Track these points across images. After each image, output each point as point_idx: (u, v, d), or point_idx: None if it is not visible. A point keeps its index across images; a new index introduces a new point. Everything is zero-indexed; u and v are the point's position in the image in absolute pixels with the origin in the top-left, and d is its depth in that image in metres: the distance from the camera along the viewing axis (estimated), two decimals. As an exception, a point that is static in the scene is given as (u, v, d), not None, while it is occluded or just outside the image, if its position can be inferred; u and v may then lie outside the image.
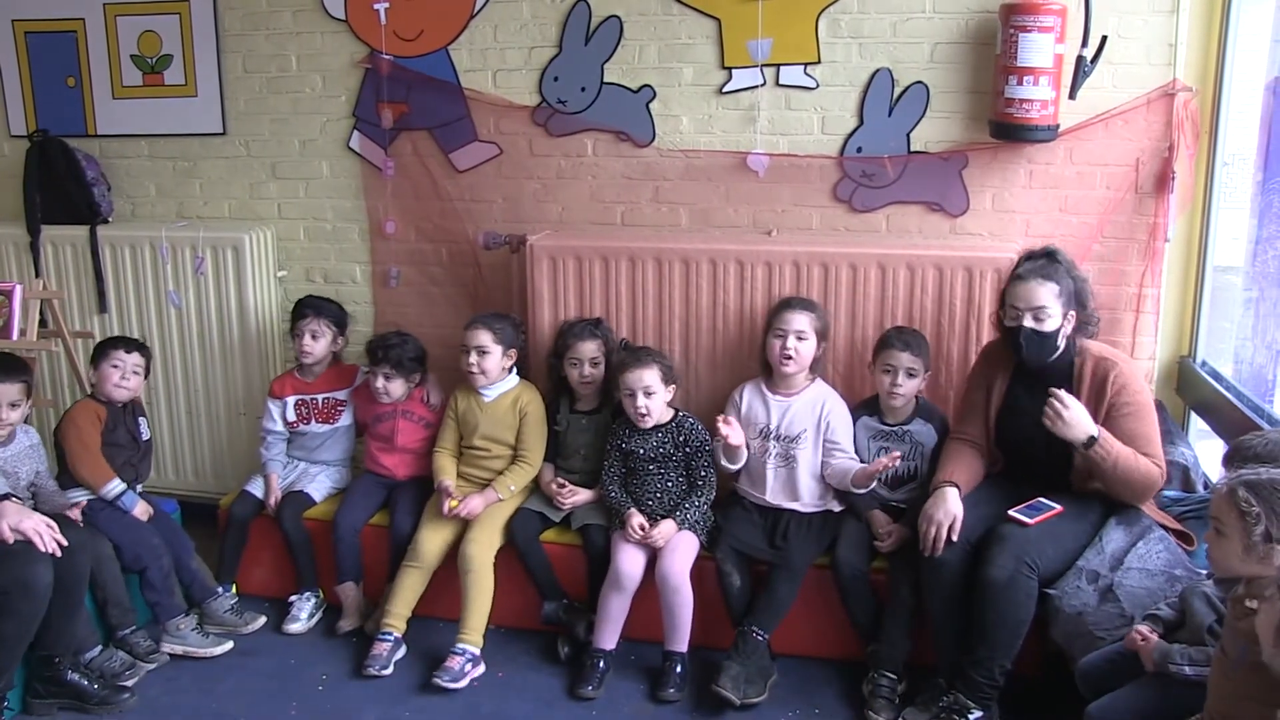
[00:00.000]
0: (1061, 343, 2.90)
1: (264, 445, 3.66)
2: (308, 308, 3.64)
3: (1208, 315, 3.48)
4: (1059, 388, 2.85)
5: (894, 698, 2.95)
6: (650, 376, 3.22)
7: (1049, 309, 2.85)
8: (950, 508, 2.85)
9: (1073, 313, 2.89)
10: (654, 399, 3.23)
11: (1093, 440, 2.76)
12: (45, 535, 2.84)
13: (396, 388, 3.54)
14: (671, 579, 3.10)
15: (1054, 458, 2.91)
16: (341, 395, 3.68)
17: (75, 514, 3.17)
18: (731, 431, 3.17)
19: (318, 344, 3.62)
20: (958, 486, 2.90)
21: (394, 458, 3.59)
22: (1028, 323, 2.86)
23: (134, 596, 3.27)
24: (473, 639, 3.18)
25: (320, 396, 3.66)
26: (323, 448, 3.68)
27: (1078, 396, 2.87)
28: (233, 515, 3.55)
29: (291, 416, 3.65)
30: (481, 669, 3.17)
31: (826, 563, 3.14)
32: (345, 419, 3.69)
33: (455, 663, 3.13)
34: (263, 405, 3.73)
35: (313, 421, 3.66)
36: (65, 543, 2.87)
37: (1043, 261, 2.92)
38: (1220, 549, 2.12)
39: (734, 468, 3.29)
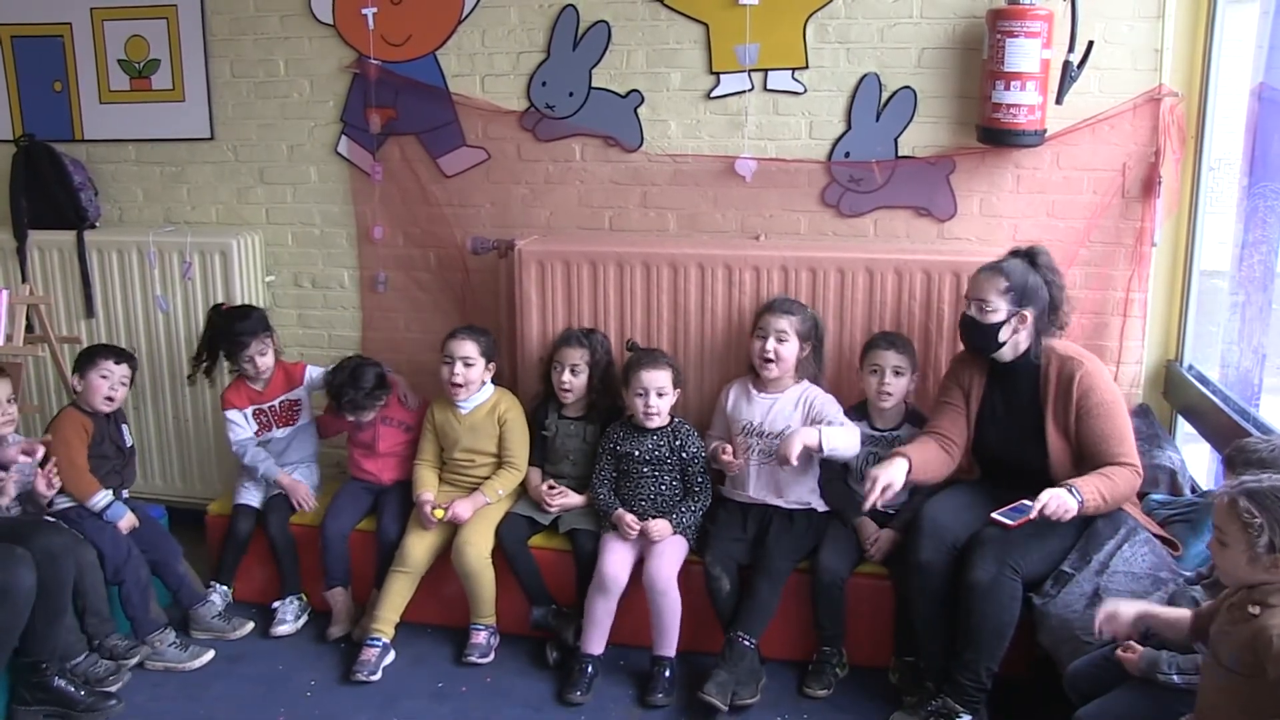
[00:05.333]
0: (1010, 340, 2.91)
1: (245, 457, 3.58)
2: (246, 335, 3.52)
3: (1194, 319, 3.49)
4: (1026, 390, 2.92)
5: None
6: (664, 378, 3.25)
7: (991, 303, 2.88)
8: (892, 473, 2.83)
9: (1026, 313, 2.89)
10: (664, 400, 3.26)
11: (1080, 500, 2.73)
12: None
13: (368, 415, 3.52)
14: (659, 583, 3.10)
15: (1031, 463, 2.92)
16: (296, 395, 3.64)
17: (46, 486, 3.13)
18: (733, 462, 3.24)
19: (267, 358, 3.57)
20: (909, 460, 2.89)
21: (377, 463, 3.58)
22: (970, 311, 2.93)
23: (114, 606, 3.25)
24: (487, 620, 3.33)
25: (276, 401, 3.63)
26: (289, 450, 3.65)
27: (1045, 398, 2.90)
28: (234, 530, 3.52)
29: (253, 426, 3.61)
30: (498, 638, 3.34)
31: (809, 567, 3.14)
32: (304, 417, 3.66)
33: (480, 638, 3.29)
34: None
35: (274, 427, 3.63)
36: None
37: (1010, 258, 2.96)
38: (1225, 559, 2.09)
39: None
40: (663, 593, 3.10)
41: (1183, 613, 2.29)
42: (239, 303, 3.78)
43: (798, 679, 3.12)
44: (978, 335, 2.94)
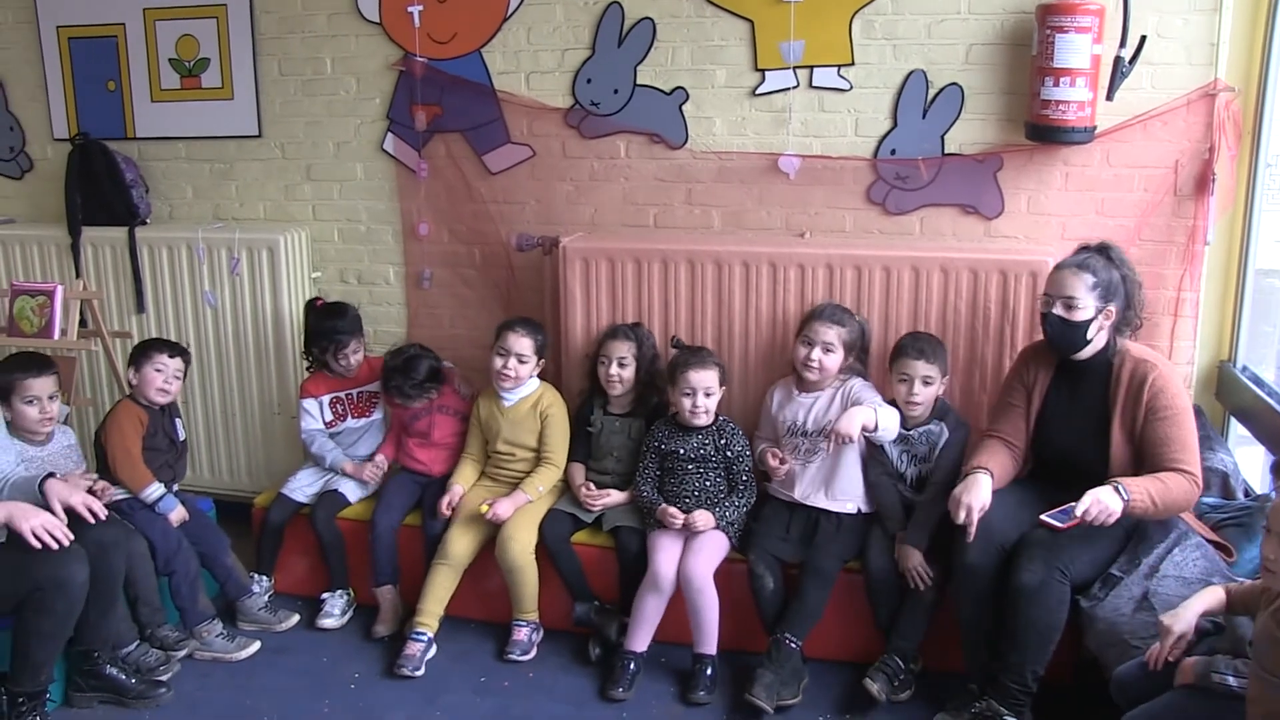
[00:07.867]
0: (1095, 337, 2.86)
1: (314, 446, 3.64)
2: (345, 334, 3.59)
3: (1249, 319, 3.42)
4: (1095, 388, 2.85)
5: (894, 679, 2.98)
6: (711, 377, 3.25)
7: (1079, 300, 2.82)
8: (981, 494, 2.80)
9: (1111, 308, 2.84)
10: (711, 399, 3.26)
11: (1125, 499, 2.67)
12: (91, 507, 2.90)
13: (414, 404, 3.57)
14: (695, 579, 3.09)
15: (1092, 462, 2.87)
16: (374, 388, 3.69)
17: (103, 495, 3.12)
18: (779, 468, 3.23)
19: (359, 356, 3.66)
20: (991, 474, 2.86)
21: (430, 452, 3.61)
22: (1056, 310, 2.85)
23: (164, 596, 3.31)
24: (530, 616, 3.34)
25: (355, 391, 3.69)
26: (359, 443, 3.70)
27: (1115, 398, 2.85)
28: (268, 521, 3.57)
29: (328, 416, 3.67)
30: (541, 634, 3.36)
31: (858, 566, 3.13)
32: (378, 412, 3.72)
33: (522, 634, 3.31)
34: (296, 404, 3.75)
35: (349, 418, 3.68)
36: (70, 539, 2.84)
37: (1087, 254, 2.90)
38: None
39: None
40: (699, 590, 3.09)
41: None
42: (332, 299, 3.83)
43: (842, 679, 3.11)
44: (1067, 334, 2.86)
